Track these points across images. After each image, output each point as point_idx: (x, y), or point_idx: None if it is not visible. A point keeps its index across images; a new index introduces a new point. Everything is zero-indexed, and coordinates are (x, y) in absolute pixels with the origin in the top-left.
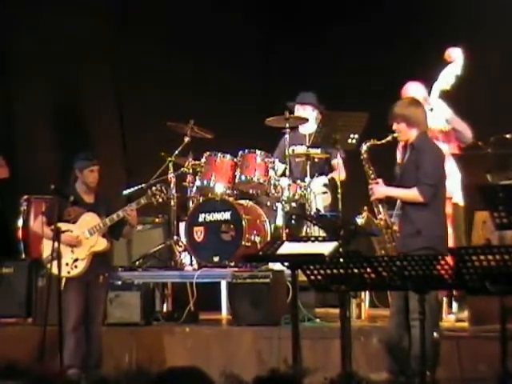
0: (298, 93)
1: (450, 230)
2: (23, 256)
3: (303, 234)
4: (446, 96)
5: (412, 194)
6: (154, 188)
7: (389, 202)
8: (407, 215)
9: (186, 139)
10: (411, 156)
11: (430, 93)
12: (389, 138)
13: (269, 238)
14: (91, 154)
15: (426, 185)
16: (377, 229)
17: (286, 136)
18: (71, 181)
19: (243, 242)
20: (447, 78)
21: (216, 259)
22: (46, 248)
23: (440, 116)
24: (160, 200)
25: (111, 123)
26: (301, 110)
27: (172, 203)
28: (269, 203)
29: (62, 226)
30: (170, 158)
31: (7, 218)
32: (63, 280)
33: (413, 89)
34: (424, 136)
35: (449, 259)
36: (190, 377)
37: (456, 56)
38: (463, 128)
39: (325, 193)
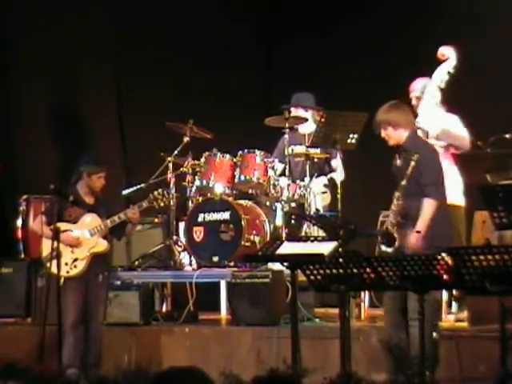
0: (294, 94)
1: None
2: (22, 256)
3: (302, 233)
4: (442, 95)
5: (426, 209)
6: (155, 192)
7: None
8: (412, 216)
9: (186, 139)
10: (404, 158)
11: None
12: (412, 164)
13: (268, 238)
14: (100, 160)
15: (429, 185)
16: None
17: (285, 136)
18: (73, 181)
19: (242, 242)
20: (441, 76)
21: (215, 259)
22: (46, 247)
23: (432, 126)
24: (161, 204)
25: (111, 123)
26: (297, 112)
27: (171, 203)
28: (268, 203)
29: (62, 225)
30: (169, 158)
31: (7, 218)
32: (62, 279)
33: (420, 84)
34: (413, 136)
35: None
36: (189, 377)
37: (449, 54)
38: (456, 140)
39: (324, 192)
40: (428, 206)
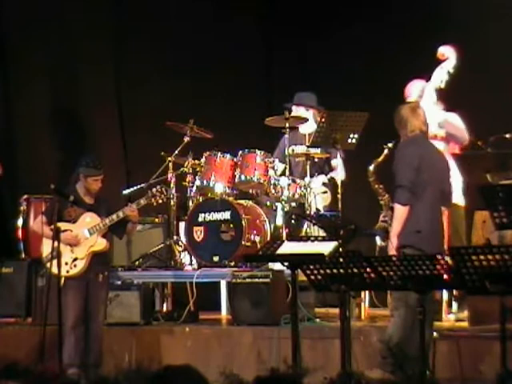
0: (296, 93)
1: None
2: (23, 256)
3: (303, 233)
4: (441, 94)
5: (396, 212)
6: (154, 189)
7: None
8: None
9: (186, 139)
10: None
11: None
12: (385, 152)
13: (269, 238)
14: (99, 163)
15: (397, 188)
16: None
17: (286, 136)
18: (72, 181)
19: (243, 242)
20: (441, 76)
21: (216, 259)
22: (46, 247)
23: (432, 122)
24: (160, 201)
25: (111, 123)
26: (298, 111)
27: (172, 203)
28: (268, 203)
29: (62, 225)
30: (169, 158)
31: (7, 218)
32: (62, 279)
33: (416, 86)
34: (406, 138)
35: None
36: (184, 375)
37: (449, 54)
38: (457, 131)
39: (325, 192)
40: (396, 210)
